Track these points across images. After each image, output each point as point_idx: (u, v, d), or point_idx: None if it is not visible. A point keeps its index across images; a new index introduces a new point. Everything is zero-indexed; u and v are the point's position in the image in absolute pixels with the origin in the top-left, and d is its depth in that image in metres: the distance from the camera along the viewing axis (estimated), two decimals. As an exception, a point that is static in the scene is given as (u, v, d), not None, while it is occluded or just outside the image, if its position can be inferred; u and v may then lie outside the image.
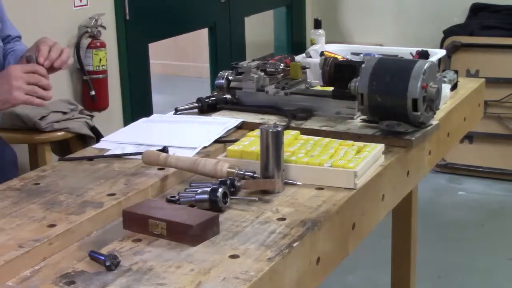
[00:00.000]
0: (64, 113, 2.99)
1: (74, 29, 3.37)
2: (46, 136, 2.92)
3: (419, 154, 1.89)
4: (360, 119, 1.92)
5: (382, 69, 1.80)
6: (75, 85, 3.42)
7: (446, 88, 2.15)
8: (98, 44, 3.38)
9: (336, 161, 1.57)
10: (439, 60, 2.53)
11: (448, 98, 2.18)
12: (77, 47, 3.36)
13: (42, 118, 2.91)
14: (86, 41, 3.38)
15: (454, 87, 2.30)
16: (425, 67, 1.76)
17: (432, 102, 1.81)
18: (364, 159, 1.59)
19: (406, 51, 2.49)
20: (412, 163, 1.84)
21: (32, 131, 2.92)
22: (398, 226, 2.62)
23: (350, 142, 1.69)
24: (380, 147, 1.69)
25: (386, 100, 1.78)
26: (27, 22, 3.06)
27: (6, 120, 2.81)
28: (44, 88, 1.81)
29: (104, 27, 3.42)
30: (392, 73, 1.78)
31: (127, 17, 3.63)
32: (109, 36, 3.52)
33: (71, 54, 3.36)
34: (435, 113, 1.87)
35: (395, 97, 1.76)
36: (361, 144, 1.68)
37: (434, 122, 1.89)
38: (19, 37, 2.13)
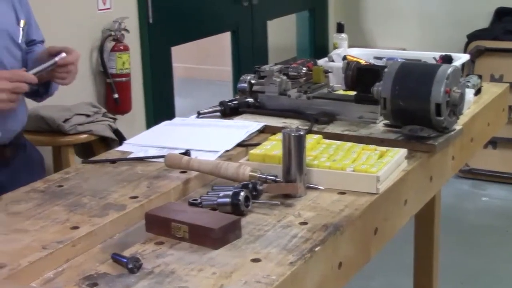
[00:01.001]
0: (88, 115, 3.01)
1: (98, 32, 3.40)
2: (69, 138, 2.94)
3: (442, 159, 1.88)
4: (383, 123, 1.91)
5: (405, 73, 1.79)
6: (99, 88, 3.44)
7: (469, 93, 2.14)
8: (121, 47, 3.40)
9: (359, 165, 1.57)
10: (463, 64, 2.52)
11: (471, 103, 2.17)
12: (101, 50, 3.38)
13: (66, 120, 2.93)
14: (109, 44, 3.40)
15: (478, 92, 2.29)
16: (448, 71, 1.75)
17: (455, 107, 1.80)
18: (387, 164, 1.58)
19: (429, 56, 2.48)
20: (435, 168, 1.83)
21: (56, 134, 2.94)
22: (420, 231, 2.61)
23: (372, 146, 1.69)
24: (403, 152, 1.68)
25: (409, 104, 1.77)
26: (52, 26, 3.08)
27: (30, 122, 2.82)
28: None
29: (127, 31, 3.44)
30: (415, 77, 1.78)
31: (151, 21, 3.65)
32: (133, 39, 3.54)
33: (95, 57, 3.39)
34: (458, 118, 1.86)
35: (418, 102, 1.76)
36: (383, 148, 1.67)
37: (457, 127, 1.88)
38: (43, 41, 2.15)
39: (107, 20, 3.41)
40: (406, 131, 1.80)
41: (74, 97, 3.10)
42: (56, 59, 1.86)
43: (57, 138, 2.94)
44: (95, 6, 3.38)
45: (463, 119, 1.97)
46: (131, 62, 3.45)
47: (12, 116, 1.94)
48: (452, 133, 1.84)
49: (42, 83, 2.00)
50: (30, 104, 2.28)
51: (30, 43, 2.09)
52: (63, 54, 1.86)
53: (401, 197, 1.65)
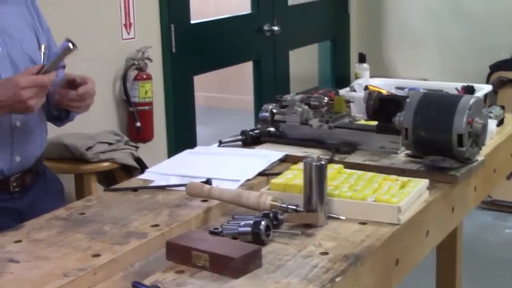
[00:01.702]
0: (110, 144, 3.03)
1: (121, 61, 3.43)
2: (92, 166, 2.96)
3: (464, 190, 1.87)
4: (405, 153, 1.91)
5: (427, 103, 1.79)
6: (121, 116, 3.47)
7: (492, 123, 2.13)
8: (144, 76, 3.43)
9: (380, 195, 1.56)
10: (485, 95, 2.51)
11: (494, 134, 2.16)
12: (124, 79, 3.41)
13: (89, 148, 2.95)
14: (132, 73, 3.43)
15: (500, 122, 2.28)
16: (470, 102, 1.75)
17: (477, 138, 1.79)
18: (408, 194, 1.58)
19: (451, 86, 2.48)
20: (457, 199, 1.82)
21: (79, 162, 2.96)
22: (442, 262, 2.59)
23: (394, 177, 1.68)
24: (425, 182, 1.67)
25: (431, 135, 1.77)
26: (76, 53, 3.11)
27: (53, 151, 2.86)
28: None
29: (150, 60, 3.48)
30: (437, 108, 1.77)
31: (173, 50, 3.68)
32: (155, 68, 3.57)
33: (118, 86, 3.42)
34: (480, 149, 1.85)
35: (440, 132, 1.75)
36: (405, 179, 1.67)
37: (479, 158, 1.87)
38: (64, 67, 2.18)
39: (131, 49, 3.44)
40: (428, 162, 1.79)
41: (97, 125, 3.13)
42: (68, 45, 1.82)
43: (80, 166, 2.96)
44: (119, 36, 3.42)
45: (485, 150, 1.96)
46: (153, 91, 3.48)
47: (31, 141, 1.96)
48: (474, 164, 1.83)
49: (62, 108, 2.02)
50: (54, 132, 2.31)
51: None
52: (66, 44, 1.82)
53: (422, 228, 1.64)
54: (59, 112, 2.07)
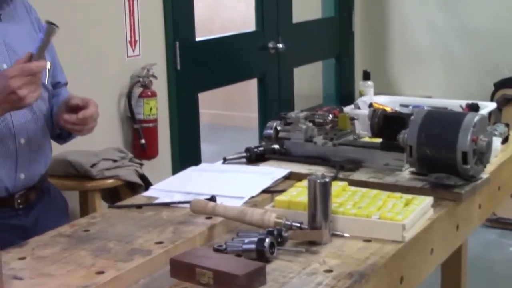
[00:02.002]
0: (115, 161, 3.04)
1: (126, 78, 3.44)
2: (96, 183, 2.96)
3: (469, 208, 1.86)
4: (409, 171, 1.91)
5: (431, 121, 1.79)
6: (126, 133, 3.48)
7: (496, 141, 2.13)
8: (149, 93, 3.44)
9: (384, 213, 1.56)
10: (490, 113, 2.51)
11: (499, 152, 2.16)
12: (129, 96, 3.42)
13: (93, 165, 2.95)
14: (137, 90, 3.44)
15: (505, 140, 2.27)
16: (475, 120, 1.75)
17: (482, 155, 1.79)
18: (413, 212, 1.57)
19: (455, 104, 2.48)
20: (462, 217, 1.82)
21: (83, 178, 2.96)
22: (447, 280, 2.58)
23: (398, 194, 1.68)
24: (429, 200, 1.67)
25: (435, 152, 1.77)
26: (81, 71, 3.13)
27: (58, 167, 2.87)
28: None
29: (155, 77, 3.49)
30: (441, 125, 1.78)
31: (178, 67, 3.69)
32: (160, 85, 3.58)
33: (122, 103, 3.43)
34: (485, 167, 1.85)
35: (444, 150, 1.75)
36: (409, 196, 1.67)
37: (484, 175, 1.86)
38: (66, 83, 2.19)
39: (136, 67, 3.45)
40: (432, 179, 1.79)
41: (101, 142, 3.13)
42: (52, 28, 1.79)
43: (84, 183, 2.96)
44: (124, 53, 3.43)
45: (490, 168, 1.96)
46: (158, 108, 3.49)
47: (35, 158, 1.97)
48: (479, 181, 1.83)
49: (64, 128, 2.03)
50: (58, 149, 2.32)
51: (56, 85, 2.12)
52: (46, 26, 1.79)
53: (427, 245, 1.63)
54: (61, 131, 2.08)
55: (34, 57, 1.76)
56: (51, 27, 1.76)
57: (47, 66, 1.94)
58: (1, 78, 1.74)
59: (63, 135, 2.11)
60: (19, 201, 1.94)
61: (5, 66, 1.88)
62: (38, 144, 1.98)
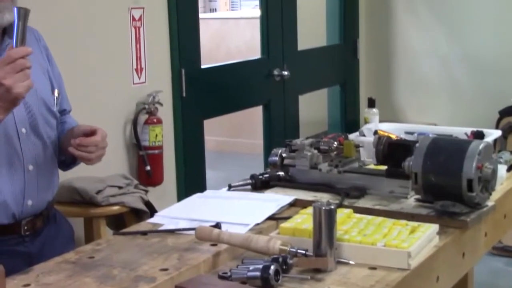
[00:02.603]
0: (120, 187, 3.04)
1: (132, 105, 3.46)
2: (102, 210, 2.96)
3: (474, 236, 1.86)
4: (414, 198, 1.90)
5: (436, 148, 1.79)
6: (131, 160, 3.48)
7: (502, 169, 2.13)
8: (154, 120, 3.45)
9: (390, 240, 1.56)
10: (495, 140, 2.51)
11: (504, 179, 2.15)
12: (135, 123, 3.43)
13: (99, 192, 2.96)
14: (143, 117, 3.45)
15: (510, 168, 2.27)
16: (480, 147, 1.75)
17: (487, 183, 1.79)
18: (418, 239, 1.57)
19: (460, 131, 2.48)
20: (468, 244, 1.81)
21: (88, 205, 2.96)
22: (453, 309, 2.56)
23: (403, 221, 1.68)
24: (435, 227, 1.67)
25: (440, 180, 1.76)
26: (88, 98, 3.15)
27: (63, 194, 2.87)
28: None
29: (161, 104, 3.50)
30: (446, 153, 1.78)
31: (184, 94, 3.71)
32: (166, 112, 3.59)
33: (128, 130, 3.44)
34: (491, 194, 1.85)
35: (449, 177, 1.75)
36: (415, 224, 1.66)
37: (490, 203, 1.86)
38: (70, 110, 2.21)
39: (142, 94, 3.47)
40: (438, 207, 1.79)
41: (107, 169, 3.14)
42: (17, 12, 1.74)
43: (89, 210, 2.96)
44: (130, 80, 3.45)
45: (495, 195, 1.96)
46: (163, 135, 3.50)
47: (43, 185, 1.98)
48: (485, 209, 1.83)
49: (69, 154, 2.03)
50: (64, 175, 2.32)
51: (62, 112, 2.14)
52: (16, 9, 1.74)
53: (433, 273, 1.62)
54: (65, 157, 2.09)
55: (15, 46, 1.72)
56: (22, 10, 1.72)
57: (56, 93, 1.96)
58: None
59: (66, 162, 2.12)
60: (25, 227, 1.94)
61: None
62: (46, 171, 1.99)
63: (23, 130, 1.92)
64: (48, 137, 1.99)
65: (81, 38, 3.18)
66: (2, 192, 1.88)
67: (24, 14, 1.73)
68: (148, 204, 3.07)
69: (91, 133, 1.96)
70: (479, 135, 2.43)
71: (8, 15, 1.84)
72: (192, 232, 1.67)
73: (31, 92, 1.93)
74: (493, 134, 2.45)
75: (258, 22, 4.48)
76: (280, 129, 4.48)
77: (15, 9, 1.74)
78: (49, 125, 2.00)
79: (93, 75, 3.25)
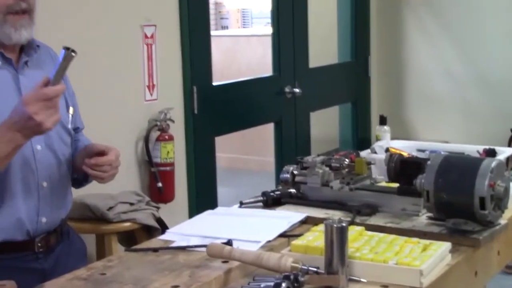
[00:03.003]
0: (132, 204, 3.04)
1: (144, 122, 3.47)
2: (113, 226, 2.96)
3: (487, 254, 1.85)
4: (426, 216, 1.90)
5: (448, 166, 1.79)
6: (143, 176, 3.49)
7: (514, 186, 2.12)
8: (166, 137, 3.46)
9: (402, 258, 1.55)
10: (507, 158, 2.50)
11: (516, 197, 2.14)
12: (146, 139, 3.44)
13: (110, 208, 2.96)
14: (155, 134, 3.46)
15: (523, 185, 2.26)
16: (492, 165, 1.75)
17: (500, 201, 1.78)
18: (431, 257, 1.56)
19: (472, 149, 2.47)
20: (480, 263, 1.80)
21: (100, 222, 2.96)
22: (466, 328, 2.54)
23: (415, 239, 1.67)
24: (447, 245, 1.66)
25: (452, 197, 1.76)
26: (100, 115, 3.16)
27: (76, 210, 2.87)
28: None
29: (172, 121, 3.51)
30: (458, 170, 1.77)
31: (195, 111, 3.72)
32: (177, 129, 3.60)
33: (140, 147, 3.45)
34: (503, 212, 1.84)
35: (461, 195, 1.75)
36: (427, 242, 1.66)
37: (502, 221, 1.85)
38: (83, 128, 2.22)
39: (153, 111, 3.48)
40: (450, 225, 1.78)
41: (119, 186, 3.14)
42: (70, 53, 1.78)
43: (101, 226, 2.96)
44: (142, 97, 3.47)
45: (508, 213, 1.94)
46: (175, 152, 3.50)
47: (56, 202, 1.98)
48: (497, 227, 1.82)
49: (82, 172, 2.04)
50: (76, 192, 2.33)
51: (75, 130, 2.15)
52: (64, 51, 1.79)
53: (445, 292, 1.62)
54: (77, 175, 2.10)
55: (50, 82, 1.76)
56: (69, 53, 1.77)
57: (70, 111, 1.97)
58: (19, 105, 1.76)
59: (78, 180, 2.13)
60: (39, 244, 1.95)
61: None
62: (60, 189, 2.00)
63: (38, 147, 1.93)
64: (62, 154, 2.01)
65: (94, 55, 3.20)
66: (17, 210, 1.89)
67: (70, 57, 1.78)
68: (159, 220, 3.07)
69: (105, 152, 1.97)
70: (491, 153, 2.42)
71: (25, 32, 1.89)
72: (204, 249, 1.67)
73: None
74: (505, 152, 2.45)
75: (269, 39, 4.50)
76: (291, 147, 4.48)
77: (63, 50, 1.78)
78: (63, 142, 2.01)
79: (105, 92, 3.26)
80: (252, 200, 2.14)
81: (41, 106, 1.73)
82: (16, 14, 1.87)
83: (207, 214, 2.07)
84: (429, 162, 1.83)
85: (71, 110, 1.97)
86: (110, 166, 1.96)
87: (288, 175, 2.15)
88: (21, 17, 1.88)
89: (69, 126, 2.02)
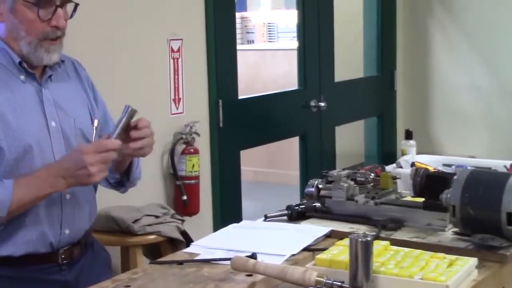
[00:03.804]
0: (157, 216, 3.05)
1: (170, 135, 3.49)
2: (138, 239, 2.97)
3: (514, 270, 1.82)
4: (452, 231, 1.88)
5: (475, 181, 1.78)
6: (168, 189, 3.50)
7: (542, 202, 2.09)
8: (191, 150, 3.47)
9: (427, 273, 1.54)
10: (535, 173, 2.48)
11: (544, 213, 2.11)
12: (172, 153, 3.46)
13: (136, 221, 2.97)
14: (180, 147, 3.47)
15: (550, 201, 2.23)
16: (519, 180, 1.73)
17: (527, 216, 1.76)
18: (457, 273, 1.55)
19: (499, 164, 2.46)
20: (507, 279, 1.78)
21: (125, 234, 2.98)
22: None
23: (441, 254, 1.66)
24: (473, 261, 1.64)
25: (479, 213, 1.74)
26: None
27: (101, 223, 2.89)
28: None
29: (198, 134, 3.52)
30: (485, 185, 1.76)
31: (221, 125, 3.73)
32: (203, 142, 3.61)
33: (165, 160, 3.47)
34: (530, 228, 1.82)
35: (488, 211, 1.73)
36: (453, 257, 1.64)
37: (530, 237, 1.83)
38: None
39: (179, 124, 3.50)
40: (477, 240, 1.76)
41: (144, 198, 3.16)
42: (130, 110, 1.90)
43: (126, 238, 2.97)
44: (168, 111, 3.49)
45: (535, 229, 1.92)
46: (200, 165, 3.51)
47: (80, 214, 2.00)
48: (524, 243, 1.80)
49: (124, 172, 2.06)
50: (101, 204, 2.34)
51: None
52: (128, 108, 1.90)
53: (471, 308, 1.60)
54: (121, 176, 2.11)
55: (110, 137, 1.85)
56: (132, 110, 1.88)
57: (95, 124, 1.99)
58: (75, 153, 1.82)
59: (122, 181, 2.13)
60: (63, 256, 1.96)
61: (53, 124, 1.93)
62: (83, 200, 2.01)
63: None
64: None
65: (121, 69, 3.23)
66: (40, 222, 1.90)
67: (131, 114, 1.89)
68: (184, 233, 3.08)
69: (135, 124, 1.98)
70: (519, 168, 2.40)
71: (56, 56, 1.95)
72: (228, 262, 1.67)
73: (70, 123, 1.97)
74: (533, 167, 2.43)
75: (295, 53, 4.51)
76: (316, 160, 4.48)
77: (126, 107, 1.90)
78: None
79: (132, 105, 3.28)
80: (276, 213, 2.14)
81: (99, 159, 1.81)
82: (50, 40, 1.91)
83: (231, 227, 2.07)
84: (455, 177, 1.81)
85: (95, 122, 2.00)
86: (148, 128, 1.97)
87: (313, 189, 2.15)
88: (54, 43, 1.93)
89: (93, 139, 2.03)
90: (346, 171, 2.16)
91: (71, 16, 1.98)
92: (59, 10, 1.90)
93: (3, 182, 1.82)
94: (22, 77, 1.93)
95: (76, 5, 1.98)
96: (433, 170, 2.19)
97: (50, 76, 1.99)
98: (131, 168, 2.09)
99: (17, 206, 1.82)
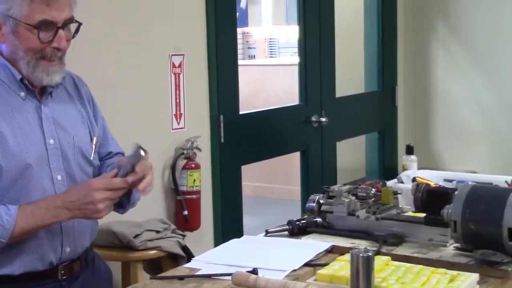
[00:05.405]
0: (158, 232, 3.05)
1: (171, 150, 3.49)
2: (139, 254, 2.97)
3: (516, 286, 1.82)
4: (453, 246, 1.88)
5: (476, 196, 1.78)
6: (169, 204, 3.50)
7: (543, 217, 2.09)
8: (193, 165, 3.47)
9: (429, 289, 1.54)
10: (536, 189, 2.47)
11: (546, 228, 2.11)
12: (173, 168, 3.46)
13: (137, 236, 2.97)
14: (181, 162, 3.47)
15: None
16: (521, 195, 1.73)
17: (529, 232, 1.76)
18: (458, 289, 1.55)
19: (501, 179, 2.46)
20: (509, 294, 1.78)
21: (126, 249, 2.97)
22: None
23: (442, 270, 1.66)
24: (475, 276, 1.64)
25: (480, 228, 1.74)
26: (128, 142, 3.18)
27: (102, 238, 2.89)
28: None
29: (199, 149, 3.53)
30: (486, 201, 1.76)
31: (222, 140, 3.73)
32: (204, 157, 3.61)
33: (167, 175, 3.47)
34: (532, 243, 1.81)
35: (490, 226, 1.73)
36: (454, 272, 1.64)
37: (531, 252, 1.83)
38: (122, 153, 2.22)
39: (180, 139, 3.50)
40: (478, 255, 1.76)
41: (145, 213, 3.16)
42: (140, 152, 1.90)
43: (127, 254, 2.97)
44: (169, 126, 3.49)
45: (537, 245, 1.92)
46: (201, 180, 3.51)
47: (81, 232, 1.99)
48: (526, 258, 1.79)
49: (124, 194, 2.05)
50: (102, 219, 2.34)
51: (107, 155, 2.16)
52: (138, 151, 1.90)
53: (473, 324, 1.59)
54: (121, 199, 2.10)
55: (119, 174, 1.86)
56: (141, 154, 1.89)
57: (94, 141, 2.00)
58: (85, 187, 1.83)
59: (123, 203, 2.12)
60: (62, 272, 1.95)
61: (51, 141, 1.93)
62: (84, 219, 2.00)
63: (59, 177, 1.94)
64: None
65: (122, 83, 3.24)
66: (41, 243, 1.89)
67: (140, 157, 1.89)
68: (185, 249, 3.08)
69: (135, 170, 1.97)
70: (520, 183, 2.40)
71: (57, 77, 1.94)
72: (229, 277, 1.67)
73: (68, 141, 1.96)
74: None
75: (296, 69, 4.52)
76: (317, 176, 4.48)
77: (136, 146, 1.90)
78: (84, 173, 2.02)
79: (133, 120, 3.29)
80: (277, 228, 2.14)
81: (107, 196, 1.83)
82: (49, 60, 1.90)
83: (232, 243, 2.07)
84: (456, 192, 1.81)
85: (94, 140, 2.00)
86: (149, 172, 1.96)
87: (314, 204, 2.15)
88: (53, 63, 1.91)
89: (91, 157, 2.03)
90: (347, 186, 2.16)
91: (73, 36, 1.96)
92: (61, 32, 1.88)
93: (9, 209, 1.81)
94: (23, 94, 1.92)
95: (79, 24, 1.96)
96: (434, 186, 2.19)
97: (50, 93, 1.99)
98: (131, 190, 2.08)
99: (19, 233, 1.82)
